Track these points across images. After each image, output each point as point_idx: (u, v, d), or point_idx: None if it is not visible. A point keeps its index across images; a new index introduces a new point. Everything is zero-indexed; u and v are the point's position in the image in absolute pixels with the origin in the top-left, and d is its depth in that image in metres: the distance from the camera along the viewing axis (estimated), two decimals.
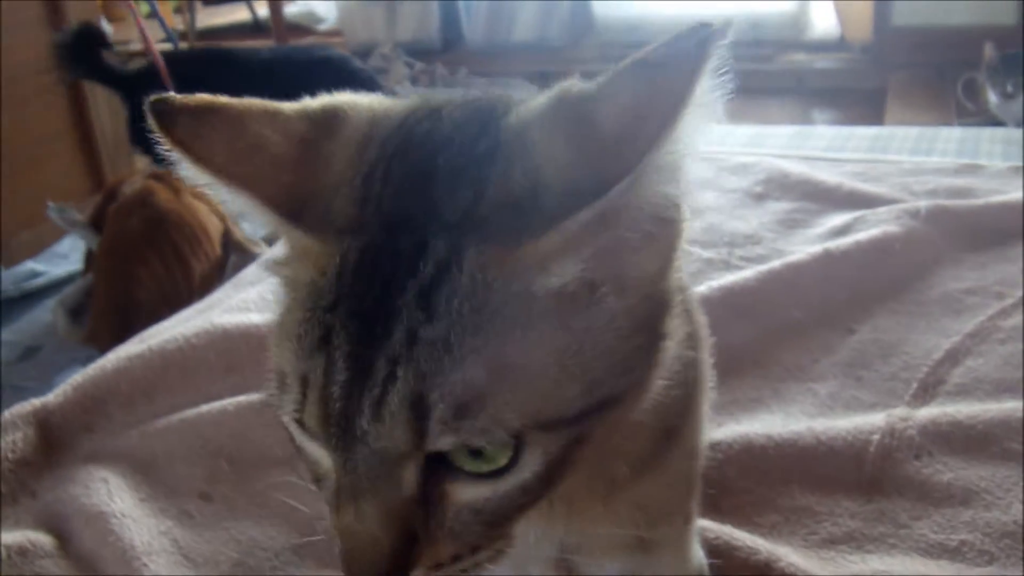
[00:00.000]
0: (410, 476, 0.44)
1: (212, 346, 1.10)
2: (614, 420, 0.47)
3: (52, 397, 1.03)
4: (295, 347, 0.45)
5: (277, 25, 3.71)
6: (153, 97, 0.48)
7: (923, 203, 1.32)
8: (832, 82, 3.54)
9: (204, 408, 1.02)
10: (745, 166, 1.57)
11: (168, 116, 0.47)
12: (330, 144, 0.48)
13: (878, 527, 0.85)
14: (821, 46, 3.70)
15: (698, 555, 0.74)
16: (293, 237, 0.47)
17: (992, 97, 2.73)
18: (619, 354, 0.45)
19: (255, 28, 4.36)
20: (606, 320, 0.45)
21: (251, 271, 1.38)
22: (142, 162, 2.80)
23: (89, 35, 2.38)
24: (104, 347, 1.44)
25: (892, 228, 1.26)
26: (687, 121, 0.41)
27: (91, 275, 2.29)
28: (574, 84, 0.46)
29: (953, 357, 1.06)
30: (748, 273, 1.19)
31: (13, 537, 0.87)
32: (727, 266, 1.26)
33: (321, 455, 0.48)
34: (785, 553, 0.81)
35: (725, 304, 1.13)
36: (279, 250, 0.51)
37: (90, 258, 2.40)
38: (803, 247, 1.27)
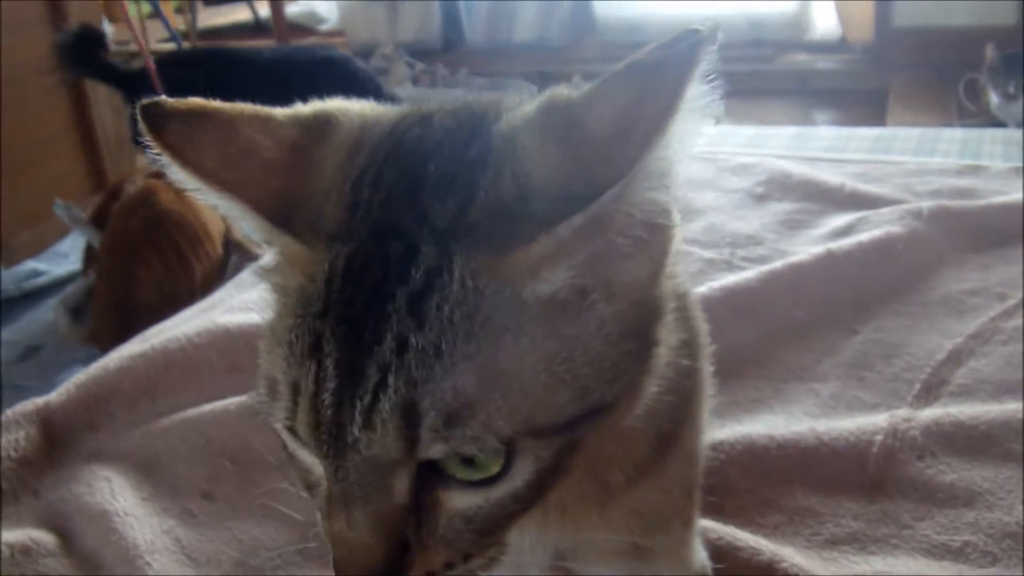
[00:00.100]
0: (402, 484, 0.44)
1: (214, 345, 1.10)
2: (606, 427, 0.47)
3: (55, 396, 1.03)
4: (286, 354, 0.45)
5: (279, 25, 3.70)
6: (144, 101, 0.47)
7: (926, 204, 1.32)
8: (833, 83, 3.53)
9: (206, 407, 1.02)
10: (746, 166, 1.57)
11: (158, 120, 0.47)
12: (321, 150, 0.48)
13: (881, 528, 0.85)
14: (822, 47, 3.69)
15: (700, 557, 0.74)
16: (282, 243, 0.47)
17: (993, 98, 2.73)
18: (610, 360, 0.45)
19: (256, 28, 4.35)
20: (596, 326, 0.45)
21: (251, 272, 1.38)
22: (144, 161, 2.80)
23: (90, 36, 2.38)
24: (105, 346, 1.44)
25: (895, 229, 1.26)
26: (677, 126, 0.41)
27: (92, 274, 2.29)
28: (564, 90, 0.46)
29: (956, 358, 1.06)
30: (750, 273, 1.19)
31: (15, 536, 0.87)
32: (729, 266, 1.26)
33: (313, 462, 0.48)
34: (788, 554, 0.81)
35: (727, 305, 1.13)
36: (269, 257, 0.51)
37: (89, 255, 2.40)
38: (805, 247, 1.27)
